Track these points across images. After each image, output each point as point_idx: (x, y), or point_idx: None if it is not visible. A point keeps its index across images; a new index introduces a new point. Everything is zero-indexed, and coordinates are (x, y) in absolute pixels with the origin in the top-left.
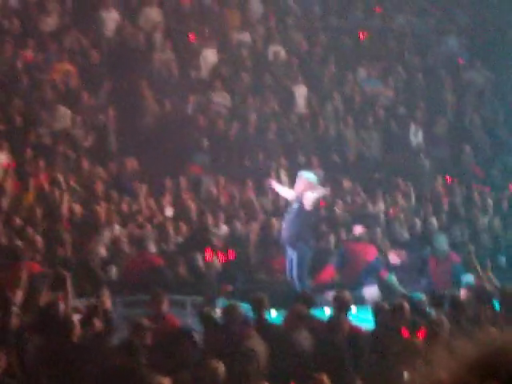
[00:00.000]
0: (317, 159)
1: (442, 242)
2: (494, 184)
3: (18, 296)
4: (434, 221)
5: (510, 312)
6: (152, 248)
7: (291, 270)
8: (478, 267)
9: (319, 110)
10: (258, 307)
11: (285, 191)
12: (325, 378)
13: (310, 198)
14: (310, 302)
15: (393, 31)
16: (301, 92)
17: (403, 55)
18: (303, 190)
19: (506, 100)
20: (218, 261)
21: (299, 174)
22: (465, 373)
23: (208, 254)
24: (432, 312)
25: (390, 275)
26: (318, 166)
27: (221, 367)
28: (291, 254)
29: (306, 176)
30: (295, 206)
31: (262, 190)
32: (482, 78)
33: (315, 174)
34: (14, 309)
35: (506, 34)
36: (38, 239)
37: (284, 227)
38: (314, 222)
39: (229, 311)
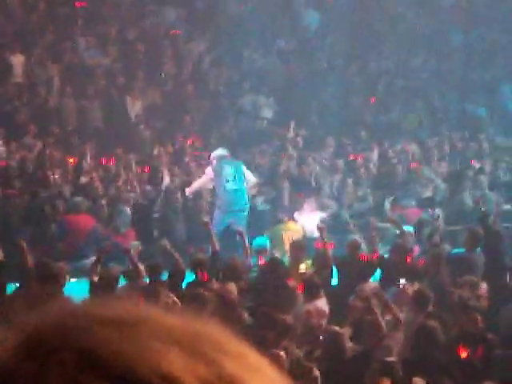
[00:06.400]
0: (36, 128)
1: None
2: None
3: None
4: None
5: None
6: None
7: None
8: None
9: (37, 80)
10: None
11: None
12: None
13: None
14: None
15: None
16: (18, 61)
17: (121, 24)
18: None
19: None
20: None
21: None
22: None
23: None
24: None
25: None
26: (35, 135)
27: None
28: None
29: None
30: None
31: None
32: (199, 49)
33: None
34: None
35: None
36: None
37: None
38: None
39: None
